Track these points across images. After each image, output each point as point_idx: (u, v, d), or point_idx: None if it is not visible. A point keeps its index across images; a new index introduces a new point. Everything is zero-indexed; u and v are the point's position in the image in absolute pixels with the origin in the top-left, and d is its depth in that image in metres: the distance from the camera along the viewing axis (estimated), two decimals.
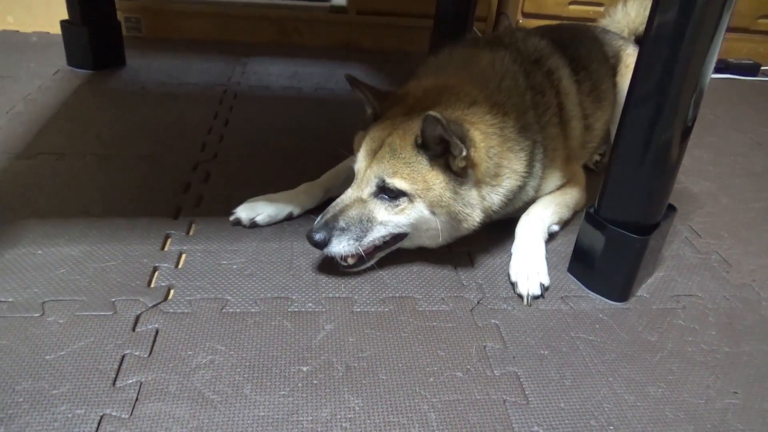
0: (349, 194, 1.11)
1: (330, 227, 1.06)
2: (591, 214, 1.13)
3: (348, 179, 1.31)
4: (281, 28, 2.54)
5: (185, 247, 1.17)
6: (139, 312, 1.00)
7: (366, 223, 1.08)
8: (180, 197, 1.34)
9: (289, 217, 1.28)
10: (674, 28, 0.93)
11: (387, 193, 1.07)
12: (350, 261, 1.10)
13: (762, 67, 2.77)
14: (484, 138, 1.09)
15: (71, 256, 1.11)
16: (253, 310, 1.03)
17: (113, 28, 2.09)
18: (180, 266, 1.12)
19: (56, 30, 2.10)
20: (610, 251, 1.10)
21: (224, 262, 1.14)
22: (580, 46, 1.45)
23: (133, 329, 0.96)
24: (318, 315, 1.03)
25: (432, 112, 0.98)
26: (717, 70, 2.74)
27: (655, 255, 1.20)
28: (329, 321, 1.02)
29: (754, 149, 1.95)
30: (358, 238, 1.07)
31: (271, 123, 1.78)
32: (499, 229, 1.32)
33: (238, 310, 1.02)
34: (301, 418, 0.84)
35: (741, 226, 1.46)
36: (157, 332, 0.96)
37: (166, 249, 1.16)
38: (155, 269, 1.10)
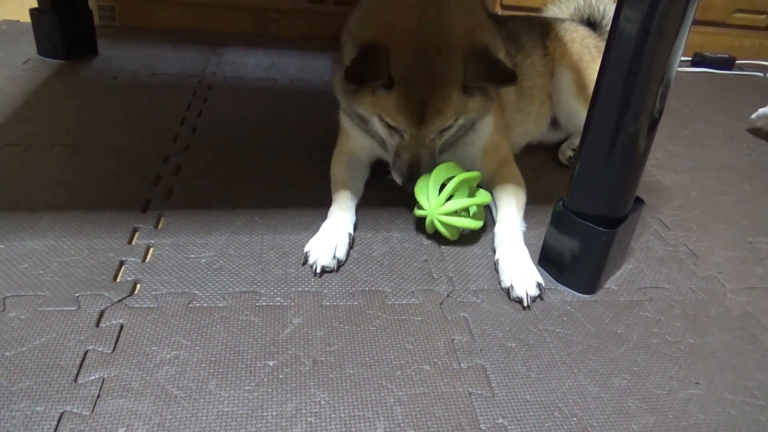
0: (411, 151, 1.19)
1: (415, 178, 1.20)
2: (559, 207, 1.13)
3: (353, 180, 1.33)
4: (258, 18, 2.51)
5: (153, 241, 1.15)
6: (104, 307, 0.98)
7: (432, 157, 1.22)
8: (149, 190, 1.32)
9: (351, 240, 1.20)
10: (640, 22, 0.93)
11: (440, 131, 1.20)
12: None
13: (737, 61, 2.80)
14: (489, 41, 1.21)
15: (35, 251, 1.09)
16: (220, 304, 1.02)
17: (85, 17, 2.05)
18: (147, 260, 1.11)
19: (26, 18, 2.05)
20: (578, 244, 1.11)
21: (192, 255, 1.13)
22: (508, 22, 1.58)
23: (97, 325, 0.95)
24: (286, 309, 1.03)
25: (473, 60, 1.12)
26: (693, 64, 2.77)
27: (624, 248, 1.21)
28: (297, 315, 1.02)
29: (727, 142, 1.98)
30: (435, 163, 1.21)
31: (245, 114, 1.76)
32: None
33: (205, 305, 1.01)
34: (266, 413, 0.83)
35: (710, 218, 1.48)
36: (121, 327, 0.95)
37: (133, 243, 1.15)
38: (122, 263, 1.09)
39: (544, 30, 1.65)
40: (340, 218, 1.20)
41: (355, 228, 1.25)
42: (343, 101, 1.30)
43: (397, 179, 1.23)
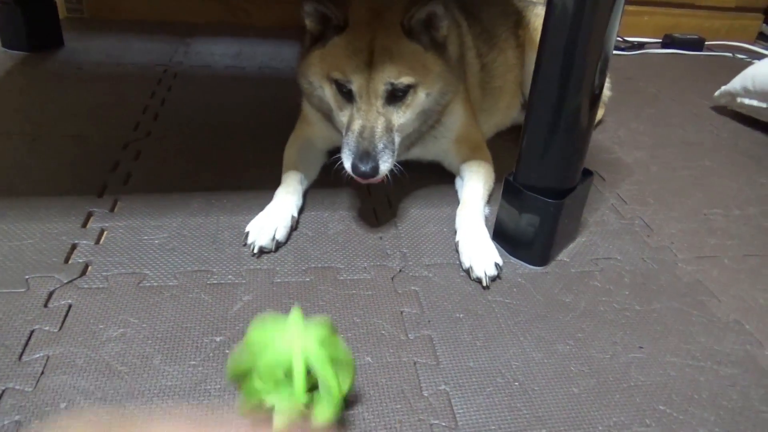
0: (363, 116, 1.09)
1: (372, 155, 1.07)
2: (509, 181, 1.14)
3: (304, 164, 1.33)
4: (227, 7, 2.50)
5: (107, 224, 1.16)
6: (53, 288, 0.99)
7: (390, 134, 1.11)
8: (107, 175, 1.32)
9: (294, 223, 1.19)
10: None
11: (395, 95, 1.11)
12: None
13: (707, 42, 2.82)
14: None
15: None
16: (171, 283, 1.03)
17: (49, 8, 2.03)
18: (100, 243, 1.11)
19: None
20: (527, 217, 1.12)
21: (146, 237, 1.13)
22: (483, 13, 1.55)
23: (45, 305, 0.95)
24: (237, 287, 1.03)
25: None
26: (663, 45, 2.79)
27: (576, 220, 1.23)
28: (248, 292, 1.02)
29: (691, 120, 2.00)
30: (392, 153, 1.11)
31: (210, 102, 1.76)
32: (426, 203, 1.34)
33: (155, 284, 1.02)
34: (209, 387, 0.84)
35: (667, 192, 1.50)
36: (69, 307, 0.95)
37: (87, 227, 1.15)
38: (74, 246, 1.09)
39: (518, 18, 1.64)
40: (285, 201, 1.20)
41: (301, 211, 1.25)
42: (302, 80, 1.24)
43: (346, 163, 1.09)
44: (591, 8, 0.94)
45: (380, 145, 1.08)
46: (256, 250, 1.11)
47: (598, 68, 1.01)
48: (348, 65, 1.09)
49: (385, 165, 1.09)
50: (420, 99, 1.15)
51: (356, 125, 1.10)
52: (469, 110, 1.38)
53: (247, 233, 1.14)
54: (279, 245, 1.14)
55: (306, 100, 1.35)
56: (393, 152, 1.11)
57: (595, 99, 1.05)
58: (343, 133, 1.13)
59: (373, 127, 1.09)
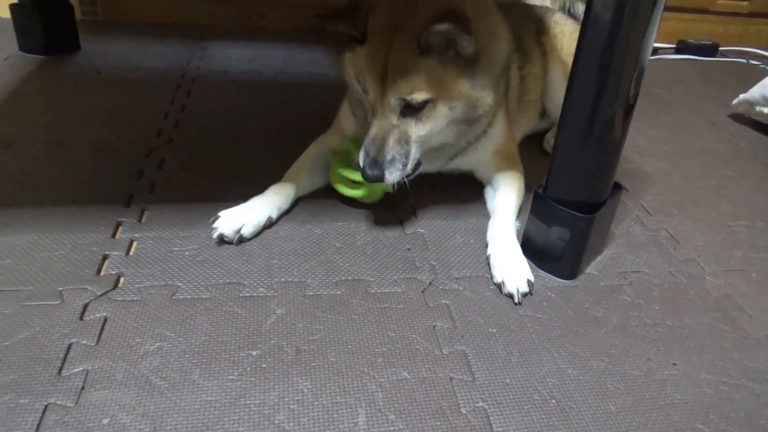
0: (377, 125, 1.12)
1: (380, 163, 1.11)
2: (539, 194, 1.14)
3: (312, 170, 1.33)
4: (243, 11, 2.50)
5: (137, 235, 1.16)
6: (87, 301, 0.99)
7: (405, 145, 1.13)
8: (132, 184, 1.32)
9: (269, 224, 1.21)
10: (614, 7, 0.94)
11: (412, 108, 1.11)
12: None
13: (720, 48, 2.82)
14: (476, 17, 1.11)
15: (18, 246, 1.09)
16: (203, 296, 1.03)
17: (66, 12, 2.03)
18: (131, 254, 1.11)
19: (6, 13, 2.03)
20: (557, 231, 1.12)
21: (176, 248, 1.13)
22: (514, 20, 1.50)
23: (81, 318, 0.95)
24: (269, 300, 1.04)
25: (433, 15, 1.03)
26: (676, 51, 2.79)
27: (604, 233, 1.23)
28: (280, 305, 1.03)
29: (708, 128, 2.00)
30: (404, 164, 1.13)
31: (229, 108, 1.76)
32: (454, 213, 1.34)
33: (188, 297, 1.02)
34: (249, 402, 0.84)
35: (690, 203, 1.50)
36: (105, 320, 0.96)
37: (117, 237, 1.15)
38: (105, 257, 1.09)
39: (539, 26, 1.62)
40: (268, 200, 1.22)
41: (284, 214, 1.25)
42: (343, 74, 1.23)
43: (361, 162, 1.13)
44: (629, 18, 0.94)
45: (389, 156, 1.12)
46: (215, 236, 1.14)
47: (634, 79, 1.00)
48: (366, 77, 1.12)
49: (393, 175, 1.13)
50: (441, 112, 1.14)
51: (372, 131, 1.13)
52: (509, 123, 1.37)
53: (218, 217, 1.16)
54: (243, 240, 1.16)
55: (345, 98, 1.37)
56: (405, 164, 1.14)
57: (629, 110, 1.04)
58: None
59: (384, 138, 1.12)
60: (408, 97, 1.09)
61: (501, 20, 1.27)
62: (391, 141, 1.12)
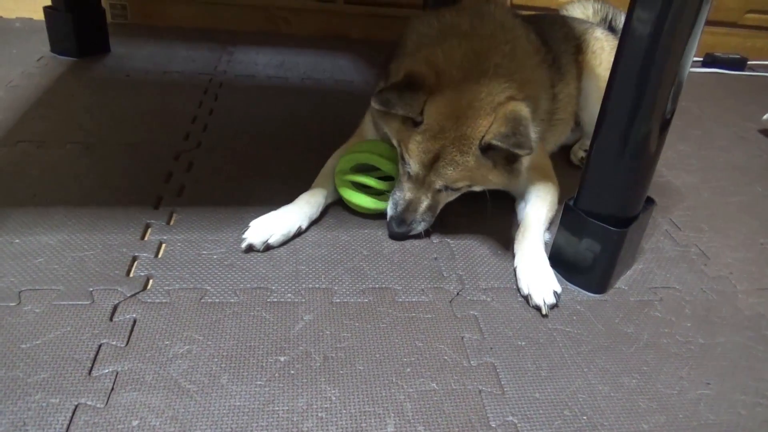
0: (413, 192, 1.17)
1: (408, 222, 1.19)
2: (570, 206, 1.13)
3: None
4: (269, 17, 2.52)
5: (165, 237, 1.16)
6: (117, 302, 0.99)
7: (434, 210, 1.21)
8: (161, 187, 1.33)
9: (299, 233, 1.21)
10: (653, 22, 0.93)
11: (449, 187, 1.17)
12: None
13: (749, 62, 2.78)
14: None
15: (49, 245, 1.10)
16: (232, 300, 1.03)
17: (97, 15, 2.06)
18: (159, 256, 1.12)
19: (40, 16, 2.07)
20: (588, 244, 1.11)
21: (204, 252, 1.14)
22: (541, 22, 1.51)
23: (111, 319, 0.96)
24: (297, 306, 1.03)
25: (498, 120, 1.06)
26: (704, 64, 2.75)
27: (635, 248, 1.21)
28: (308, 312, 1.02)
29: (737, 143, 1.97)
30: (429, 221, 1.21)
31: (256, 112, 1.77)
32: (480, 223, 1.33)
33: (216, 300, 1.02)
34: (277, 408, 0.84)
35: (720, 219, 1.47)
36: (134, 322, 0.96)
37: (146, 238, 1.16)
38: (134, 259, 1.10)
39: (577, 44, 1.59)
40: (297, 210, 1.22)
41: (314, 222, 1.25)
42: (375, 111, 1.19)
43: (389, 211, 1.21)
44: (669, 32, 0.93)
45: (419, 218, 1.19)
46: (244, 246, 1.15)
47: (671, 94, 0.99)
48: (414, 156, 1.13)
49: (418, 228, 1.21)
50: (476, 188, 1.19)
51: (406, 194, 1.18)
52: (541, 140, 1.33)
53: (249, 227, 1.17)
54: (269, 248, 1.16)
55: (368, 116, 1.37)
56: (430, 221, 1.21)
57: (665, 125, 1.03)
58: (397, 178, 1.23)
59: (417, 205, 1.19)
60: (450, 185, 1.15)
61: (546, 81, 1.28)
62: (423, 207, 1.19)
